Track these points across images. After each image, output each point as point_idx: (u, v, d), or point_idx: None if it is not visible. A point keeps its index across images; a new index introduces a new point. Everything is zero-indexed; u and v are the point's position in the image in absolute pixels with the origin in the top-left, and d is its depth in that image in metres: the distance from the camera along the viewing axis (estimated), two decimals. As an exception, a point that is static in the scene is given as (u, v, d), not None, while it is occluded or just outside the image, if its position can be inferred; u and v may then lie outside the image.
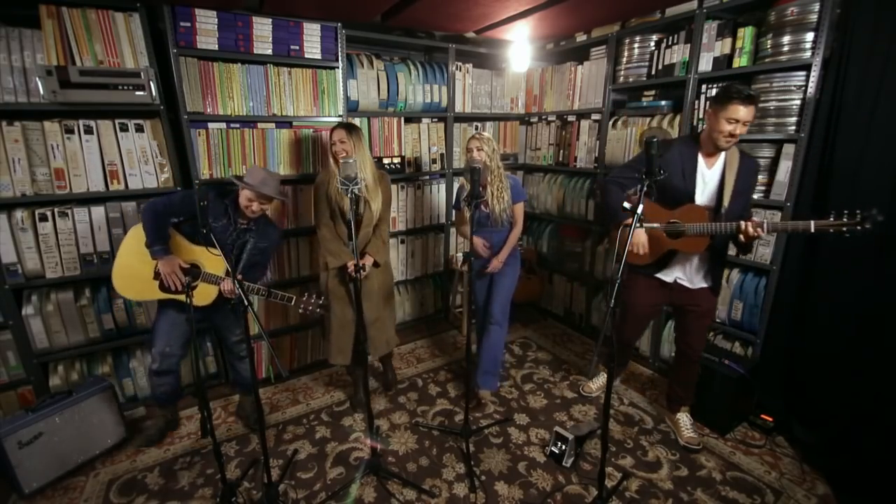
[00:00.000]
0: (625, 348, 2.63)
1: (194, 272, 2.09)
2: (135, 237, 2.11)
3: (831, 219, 1.71)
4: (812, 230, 1.73)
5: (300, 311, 2.08)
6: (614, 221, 2.20)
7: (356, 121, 2.95)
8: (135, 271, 2.11)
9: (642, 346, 3.01)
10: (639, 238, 2.06)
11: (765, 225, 1.80)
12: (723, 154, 2.01)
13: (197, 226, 1.98)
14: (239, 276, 1.96)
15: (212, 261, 2.09)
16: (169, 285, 2.07)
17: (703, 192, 2.03)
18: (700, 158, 2.03)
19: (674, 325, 2.45)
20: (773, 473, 2.14)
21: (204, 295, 2.09)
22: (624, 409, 2.65)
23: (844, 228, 1.67)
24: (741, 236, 1.85)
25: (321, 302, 2.10)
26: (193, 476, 2.16)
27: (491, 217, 2.48)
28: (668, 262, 2.17)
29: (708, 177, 2.03)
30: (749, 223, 1.82)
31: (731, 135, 1.88)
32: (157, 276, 2.10)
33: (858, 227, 1.65)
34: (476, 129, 3.55)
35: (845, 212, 1.68)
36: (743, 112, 1.83)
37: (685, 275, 2.17)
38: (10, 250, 2.18)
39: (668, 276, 2.21)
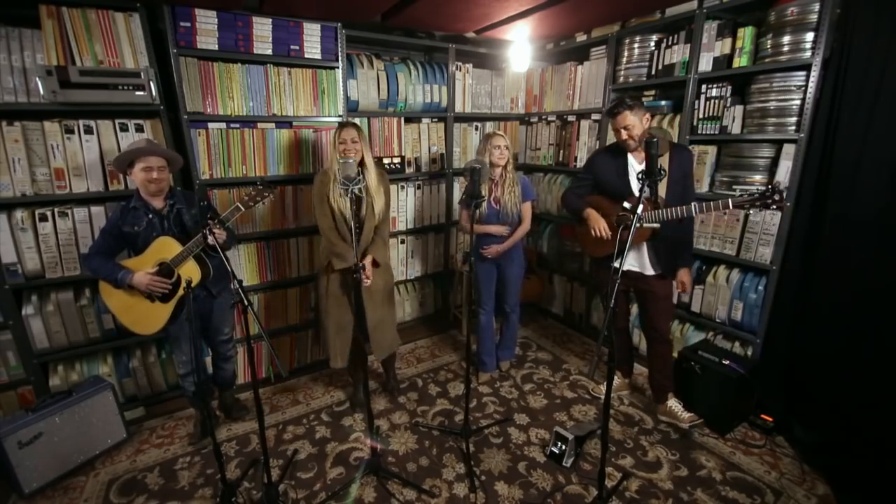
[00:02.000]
0: (619, 339, 2.65)
1: (165, 268, 2.04)
2: (105, 290, 2.09)
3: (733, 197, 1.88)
4: (731, 207, 1.88)
5: (252, 205, 1.99)
6: (575, 211, 2.47)
7: (356, 121, 2.95)
8: (137, 308, 2.09)
9: (642, 346, 3.00)
10: (598, 222, 2.31)
11: (679, 210, 2.00)
12: None
13: (138, 243, 2.06)
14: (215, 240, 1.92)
15: (168, 249, 2.04)
16: (160, 292, 2.05)
17: (638, 185, 2.12)
18: (630, 157, 2.29)
19: (638, 313, 2.53)
20: (773, 473, 2.14)
21: (193, 275, 2.05)
22: (624, 409, 2.65)
23: (758, 203, 1.80)
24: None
25: (259, 185, 1.99)
26: (193, 476, 2.16)
27: (501, 213, 2.64)
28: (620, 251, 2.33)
29: (639, 171, 2.09)
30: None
31: (625, 138, 2.19)
32: (150, 297, 2.08)
33: (769, 201, 1.76)
34: (476, 129, 3.55)
35: (756, 190, 1.87)
36: (614, 123, 2.20)
37: (636, 262, 2.34)
38: (10, 250, 2.18)
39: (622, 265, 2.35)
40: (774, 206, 1.77)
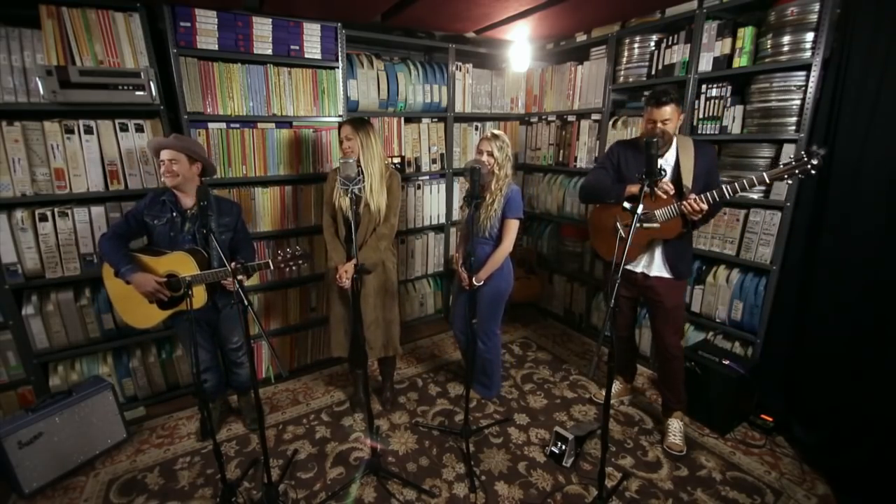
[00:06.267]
0: (621, 346, 2.56)
1: (173, 282, 2.04)
2: (107, 273, 2.09)
3: (781, 166, 1.84)
4: (767, 181, 1.85)
5: (283, 267, 2.00)
6: (611, 196, 2.23)
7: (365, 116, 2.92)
8: (132, 301, 2.08)
9: (642, 346, 3.01)
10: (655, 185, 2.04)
11: (705, 196, 1.97)
12: (673, 145, 2.15)
13: (154, 238, 2.09)
14: (235, 265, 1.94)
15: (184, 266, 2.04)
16: (158, 299, 2.06)
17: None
18: None
19: (650, 326, 2.46)
20: (773, 473, 2.14)
21: (196, 297, 2.04)
22: (624, 409, 2.65)
23: (797, 171, 1.77)
24: (686, 211, 2.01)
25: (297, 252, 2.00)
26: (193, 476, 2.16)
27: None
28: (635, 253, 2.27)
29: (664, 167, 2.06)
30: (689, 199, 1.99)
31: (660, 132, 2.06)
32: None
33: (808, 167, 1.74)
34: (476, 129, 3.55)
35: (791, 158, 1.80)
36: (652, 113, 2.06)
37: (648, 264, 2.25)
38: (10, 250, 2.18)
39: (635, 267, 2.29)
40: (814, 172, 1.73)
